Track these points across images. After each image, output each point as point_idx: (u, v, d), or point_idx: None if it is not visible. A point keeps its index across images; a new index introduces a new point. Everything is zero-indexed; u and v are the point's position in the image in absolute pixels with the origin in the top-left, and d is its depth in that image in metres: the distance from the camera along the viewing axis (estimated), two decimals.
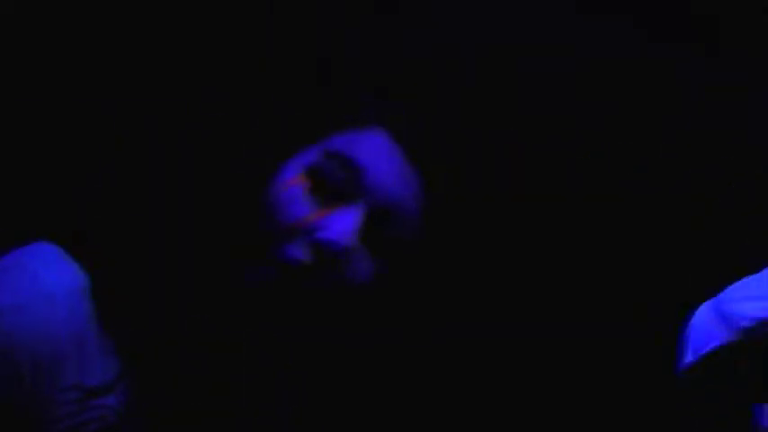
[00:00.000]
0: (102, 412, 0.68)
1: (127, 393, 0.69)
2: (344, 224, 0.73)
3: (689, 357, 0.73)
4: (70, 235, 0.70)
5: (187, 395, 0.67)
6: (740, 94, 0.95)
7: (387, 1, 0.66)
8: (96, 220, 0.72)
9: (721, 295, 0.75)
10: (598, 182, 0.89)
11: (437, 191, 0.76)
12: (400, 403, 0.79)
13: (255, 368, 0.70)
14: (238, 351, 0.70)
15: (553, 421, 0.87)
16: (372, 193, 0.76)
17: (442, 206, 0.76)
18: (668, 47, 0.95)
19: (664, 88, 0.95)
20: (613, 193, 0.91)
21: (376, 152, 0.78)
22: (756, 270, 0.75)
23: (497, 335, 0.87)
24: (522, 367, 0.88)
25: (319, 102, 0.79)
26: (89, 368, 0.69)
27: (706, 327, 0.73)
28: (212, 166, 0.75)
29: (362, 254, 0.75)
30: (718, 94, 0.95)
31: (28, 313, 0.69)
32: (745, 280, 0.75)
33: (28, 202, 0.78)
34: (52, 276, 0.71)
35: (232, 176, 0.73)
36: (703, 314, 0.74)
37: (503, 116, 0.88)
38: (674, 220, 0.91)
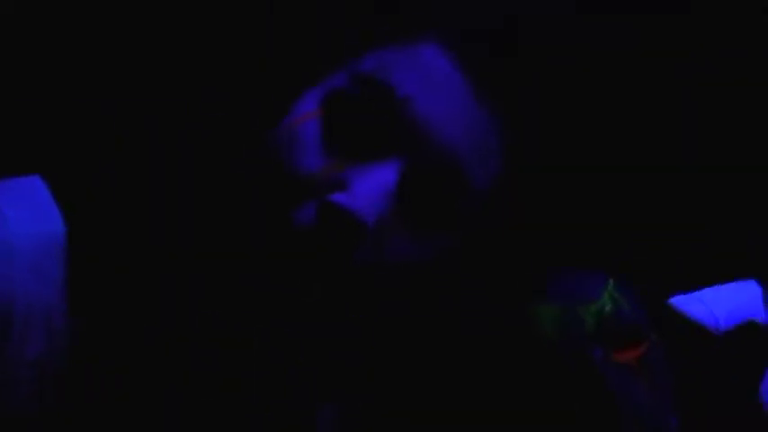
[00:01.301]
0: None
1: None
2: (371, 187, 0.49)
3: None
4: (69, 235, 0.69)
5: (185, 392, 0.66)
6: (740, 94, 0.95)
7: (387, 1, 0.66)
8: (96, 220, 0.72)
9: None
10: (597, 182, 0.90)
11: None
12: (417, 401, 0.79)
13: (265, 366, 0.66)
14: (246, 348, 0.64)
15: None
16: (420, 140, 0.50)
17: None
18: (668, 46, 0.95)
19: (664, 88, 0.95)
20: (613, 193, 0.91)
21: (428, 77, 0.51)
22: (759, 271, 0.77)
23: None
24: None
25: None
26: (52, 343, 0.51)
27: None
28: (212, 166, 0.75)
29: (398, 231, 0.52)
30: (718, 93, 0.95)
31: None
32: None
33: None
34: (18, 221, 0.52)
35: (232, 176, 0.73)
36: None
37: (502, 116, 0.88)
38: (673, 220, 0.91)
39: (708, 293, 0.78)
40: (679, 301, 0.77)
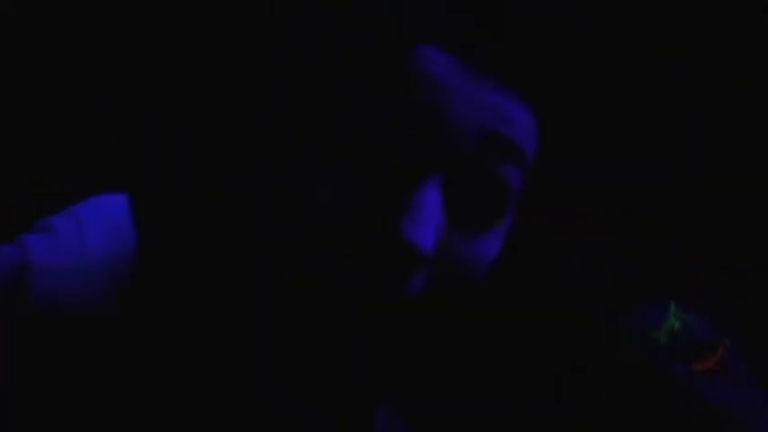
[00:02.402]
0: None
1: None
2: (421, 213, 0.48)
3: None
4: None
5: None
6: (740, 95, 0.95)
7: (387, 1, 0.66)
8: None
9: None
10: (597, 182, 0.90)
11: None
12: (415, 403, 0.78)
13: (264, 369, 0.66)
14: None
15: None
16: (448, 138, 0.49)
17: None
18: (668, 47, 0.95)
19: (664, 88, 0.95)
20: (612, 193, 0.91)
21: (436, 81, 0.50)
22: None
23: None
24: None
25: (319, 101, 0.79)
26: None
27: None
28: (212, 167, 0.75)
29: (460, 240, 0.52)
30: (718, 94, 0.95)
31: (61, 280, 0.52)
32: None
33: (27, 203, 0.78)
34: (98, 241, 0.54)
35: (232, 176, 0.73)
36: None
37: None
38: (673, 220, 0.91)
39: None
40: None
